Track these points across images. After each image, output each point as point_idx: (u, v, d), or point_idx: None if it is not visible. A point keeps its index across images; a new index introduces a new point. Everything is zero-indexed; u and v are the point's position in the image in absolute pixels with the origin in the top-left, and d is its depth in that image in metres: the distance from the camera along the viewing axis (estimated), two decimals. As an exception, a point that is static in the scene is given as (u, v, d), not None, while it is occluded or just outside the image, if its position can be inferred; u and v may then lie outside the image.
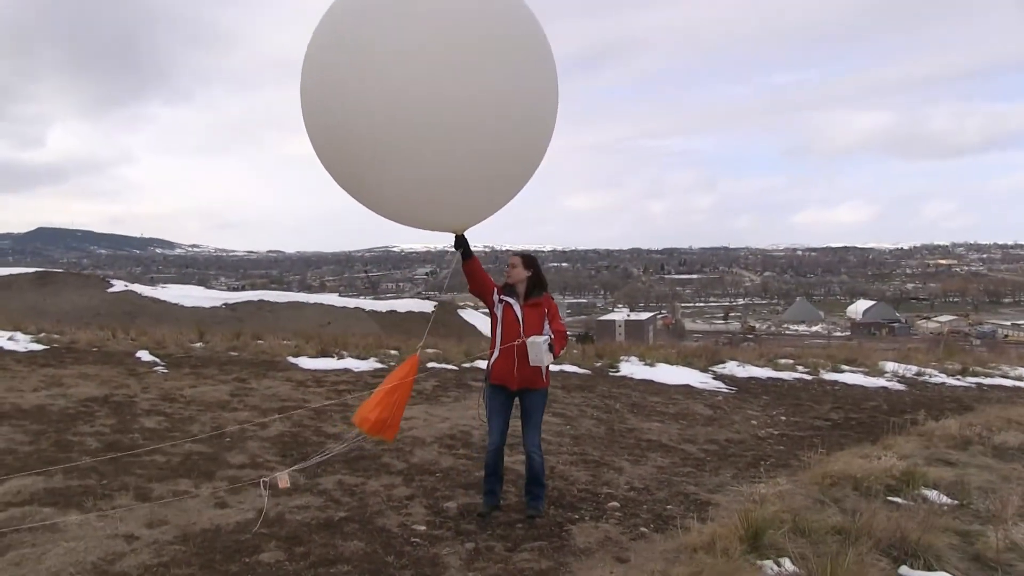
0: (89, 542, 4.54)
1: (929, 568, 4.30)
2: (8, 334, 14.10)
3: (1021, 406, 11.08)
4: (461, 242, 5.27)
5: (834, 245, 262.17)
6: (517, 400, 5.52)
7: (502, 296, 5.52)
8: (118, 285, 57.19)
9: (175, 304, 51.15)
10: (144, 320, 37.16)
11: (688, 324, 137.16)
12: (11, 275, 55.10)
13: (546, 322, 5.45)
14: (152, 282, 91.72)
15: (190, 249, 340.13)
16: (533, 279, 5.51)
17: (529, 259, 5.58)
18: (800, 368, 15.10)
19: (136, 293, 54.62)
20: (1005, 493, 5.72)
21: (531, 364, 5.25)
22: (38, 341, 13.87)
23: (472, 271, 5.42)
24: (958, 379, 15.04)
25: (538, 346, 5.21)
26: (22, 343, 13.44)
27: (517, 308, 5.45)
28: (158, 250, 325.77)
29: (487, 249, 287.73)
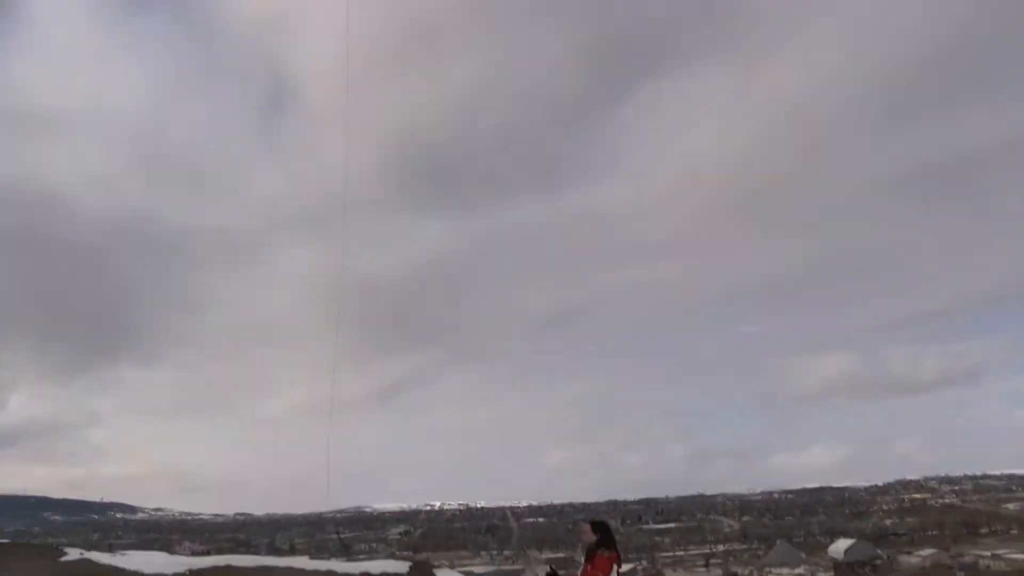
0: None
1: None
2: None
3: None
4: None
5: (810, 486, 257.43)
6: None
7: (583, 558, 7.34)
8: (72, 553, 51.91)
9: (135, 572, 46.04)
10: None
11: (669, 573, 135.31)
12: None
13: None
14: (111, 548, 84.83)
15: (154, 513, 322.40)
16: (598, 540, 7.33)
17: (595, 524, 7.46)
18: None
19: (93, 561, 49.39)
20: None
21: None
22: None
23: None
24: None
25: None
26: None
27: (583, 564, 7.33)
28: (119, 515, 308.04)
29: (462, 506, 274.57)
